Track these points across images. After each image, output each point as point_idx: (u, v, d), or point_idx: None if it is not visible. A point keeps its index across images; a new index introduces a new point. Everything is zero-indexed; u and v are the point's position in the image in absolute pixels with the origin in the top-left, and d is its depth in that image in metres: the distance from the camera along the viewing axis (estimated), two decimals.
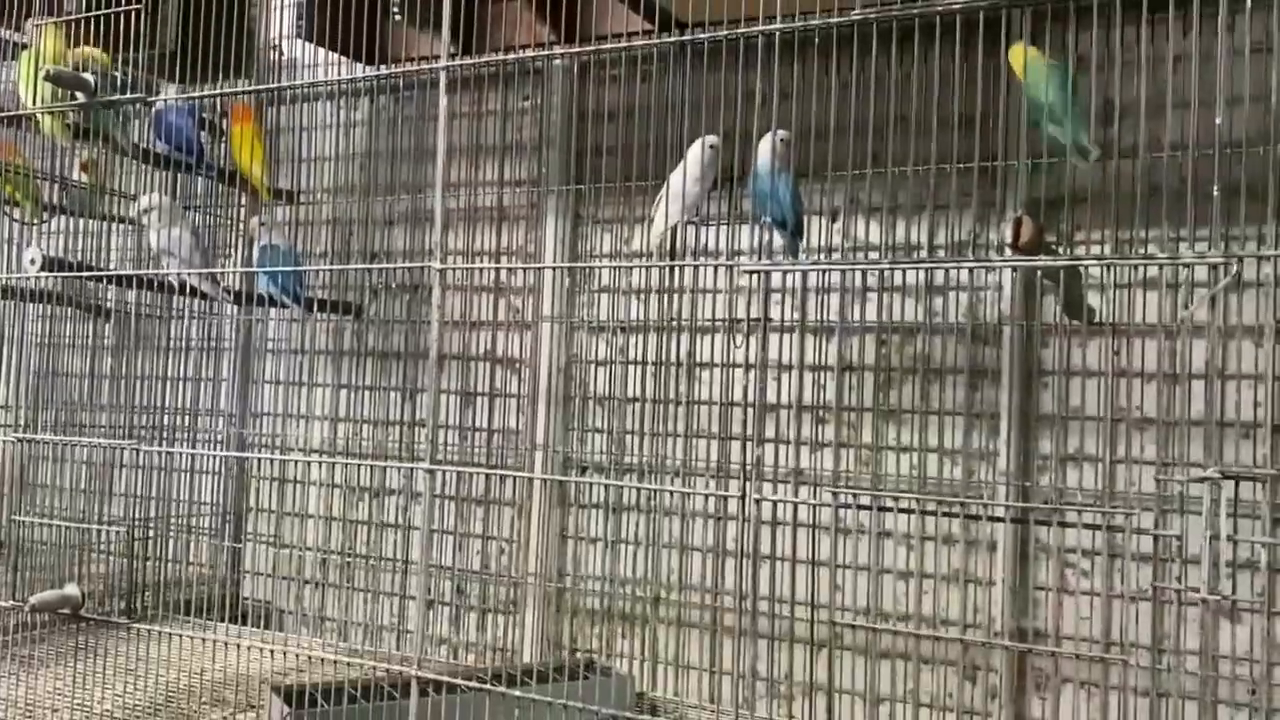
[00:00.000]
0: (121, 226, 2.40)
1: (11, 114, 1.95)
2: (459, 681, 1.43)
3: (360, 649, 2.36)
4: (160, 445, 2.22)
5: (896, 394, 2.16)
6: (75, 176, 2.40)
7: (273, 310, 2.55)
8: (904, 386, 2.15)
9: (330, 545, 2.61)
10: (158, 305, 2.54)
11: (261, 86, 2.06)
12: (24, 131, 2.11)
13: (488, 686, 1.40)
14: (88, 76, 1.77)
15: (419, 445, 2.56)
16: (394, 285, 2.62)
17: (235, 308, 2.54)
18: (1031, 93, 1.51)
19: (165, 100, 1.99)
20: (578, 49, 2.00)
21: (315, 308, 2.45)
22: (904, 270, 2.01)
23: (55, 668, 2.07)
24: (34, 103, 1.88)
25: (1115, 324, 1.76)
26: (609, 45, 1.81)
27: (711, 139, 1.92)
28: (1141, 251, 1.50)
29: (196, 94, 2.03)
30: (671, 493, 2.08)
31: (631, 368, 2.35)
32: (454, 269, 2.26)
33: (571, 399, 2.46)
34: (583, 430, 2.44)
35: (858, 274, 2.09)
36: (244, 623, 2.61)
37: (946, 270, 1.98)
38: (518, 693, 1.37)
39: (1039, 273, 1.66)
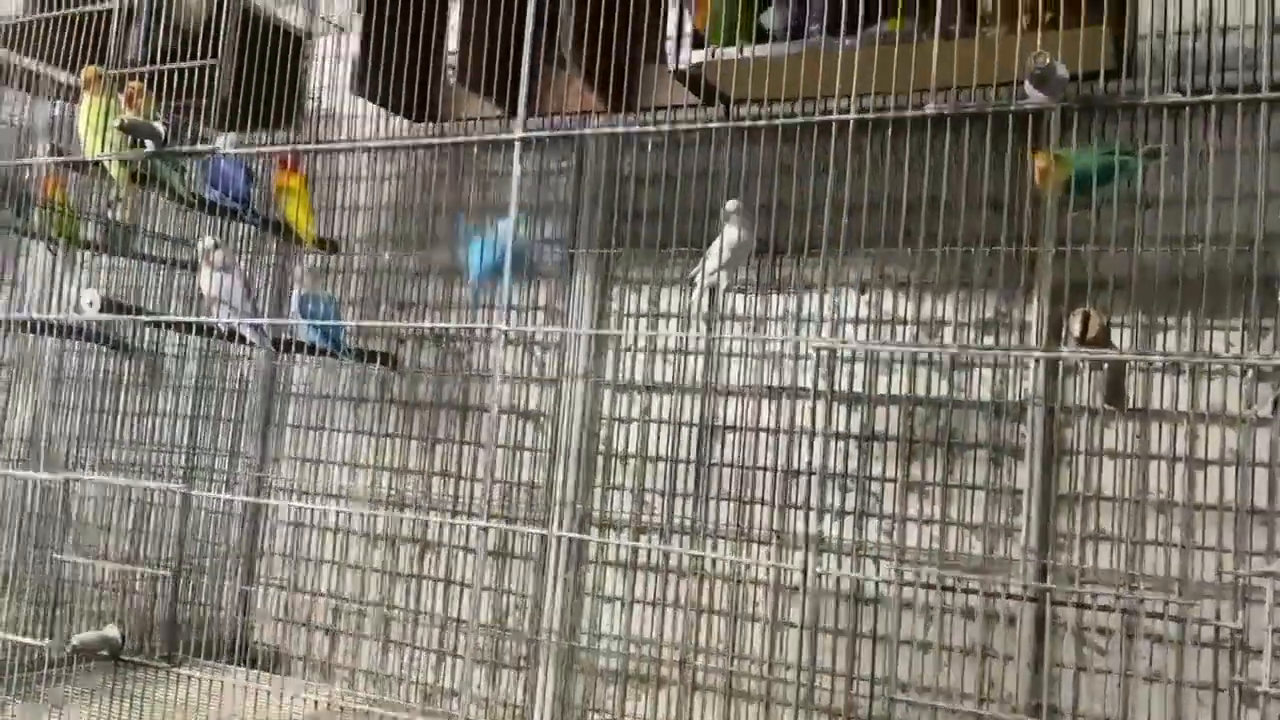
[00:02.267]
0: (154, 265, 2.43)
1: (79, 158, 1.99)
2: None
3: (397, 701, 2.36)
4: (207, 489, 2.23)
5: (920, 466, 2.20)
6: (112, 215, 2.44)
7: (298, 355, 2.57)
8: (928, 459, 2.20)
9: (365, 595, 2.62)
10: (185, 345, 2.56)
11: (332, 145, 2.11)
12: (82, 175, 2.14)
13: None
14: (159, 126, 1.81)
15: (442, 495, 2.58)
16: (422, 335, 2.66)
17: (264, 351, 2.57)
18: None
19: (226, 150, 2.03)
20: (657, 127, 2.05)
21: (354, 357, 2.48)
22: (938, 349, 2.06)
23: (78, 707, 2.06)
24: (102, 148, 1.92)
25: (1146, 409, 1.81)
26: (685, 125, 1.86)
27: (730, 204, 2.00)
28: (1206, 349, 1.55)
29: (272, 147, 2.07)
30: (730, 561, 2.10)
31: (663, 428, 2.39)
32: (518, 329, 2.30)
33: (596, 455, 2.48)
34: (606, 488, 2.47)
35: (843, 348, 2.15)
36: (253, 667, 2.60)
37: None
38: None
39: (1085, 362, 1.71)
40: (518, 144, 1.58)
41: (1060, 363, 2.04)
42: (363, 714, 1.87)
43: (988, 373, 2.16)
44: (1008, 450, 2.12)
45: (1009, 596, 2.01)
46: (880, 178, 1.76)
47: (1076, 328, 1.39)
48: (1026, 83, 1.40)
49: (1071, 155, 1.56)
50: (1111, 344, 1.44)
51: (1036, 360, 1.97)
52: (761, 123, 1.58)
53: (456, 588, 2.55)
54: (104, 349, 2.47)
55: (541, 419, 2.54)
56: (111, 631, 1.74)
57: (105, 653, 1.74)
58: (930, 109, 1.38)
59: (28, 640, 1.89)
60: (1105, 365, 1.53)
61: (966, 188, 1.79)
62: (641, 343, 2.47)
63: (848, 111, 1.56)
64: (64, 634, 1.83)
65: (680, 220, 2.13)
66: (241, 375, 2.63)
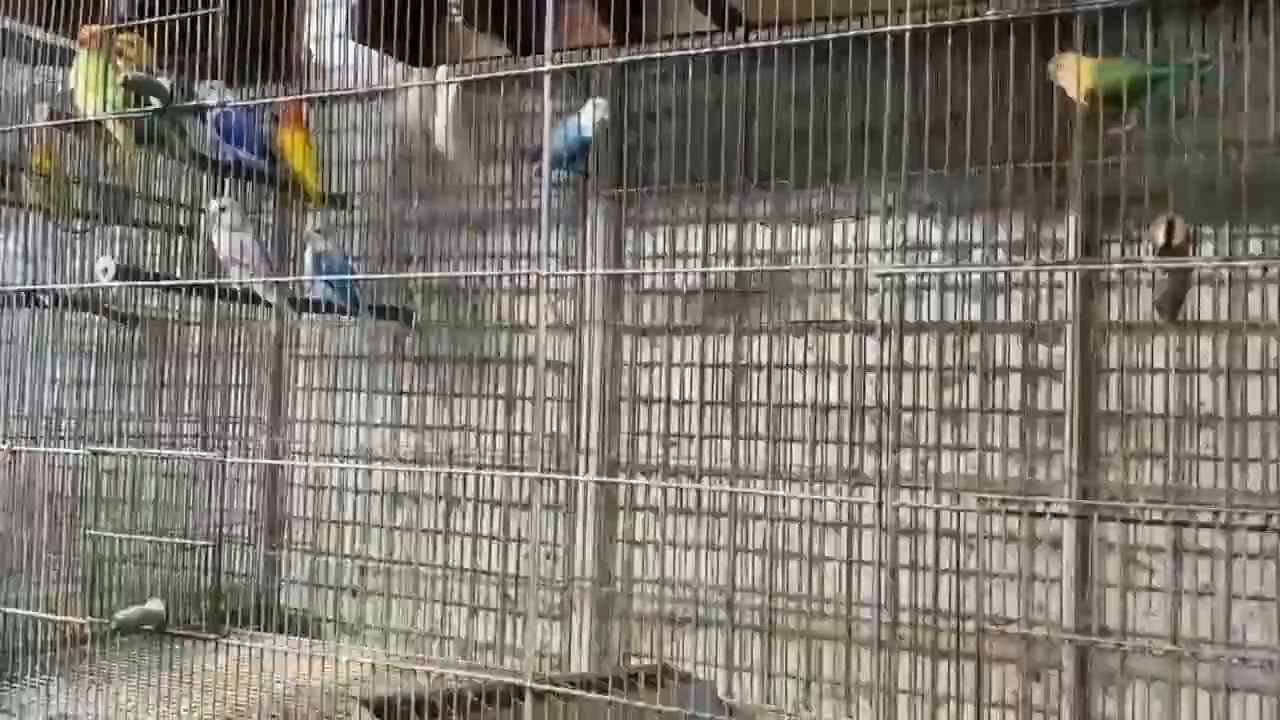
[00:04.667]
0: (156, 230, 2.36)
1: (80, 119, 1.90)
2: (576, 692, 1.42)
3: (446, 659, 2.34)
4: (238, 456, 2.19)
5: (955, 393, 2.17)
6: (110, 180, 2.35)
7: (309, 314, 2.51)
8: (962, 385, 2.16)
9: (392, 554, 2.59)
10: (188, 310, 2.49)
11: (346, 91, 2.03)
12: (77, 138, 2.06)
13: (607, 696, 1.39)
14: (164, 82, 1.73)
15: (468, 451, 2.54)
16: (436, 288, 2.59)
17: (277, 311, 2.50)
18: None
19: (231, 102, 1.95)
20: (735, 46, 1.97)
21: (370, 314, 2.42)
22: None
23: (117, 683, 2.03)
24: (103, 108, 1.84)
25: (1185, 320, 1.78)
26: (724, 46, 1.78)
27: None
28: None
29: (279, 98, 1.99)
30: (800, 500, 2.08)
31: (688, 370, 2.35)
32: (558, 275, 2.24)
33: (623, 401, 2.44)
34: (633, 433, 2.43)
35: (910, 274, 2.11)
36: (282, 632, 2.57)
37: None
38: (641, 702, 1.36)
39: (1156, 273, 1.67)
40: (547, 80, 1.51)
41: (1093, 278, 2.00)
42: (409, 673, 1.85)
43: (1019, 294, 2.12)
44: (1044, 371, 2.09)
45: (1055, 516, 1.98)
46: (919, 99, 1.69)
47: (1160, 236, 1.34)
48: None
49: (1121, 65, 1.50)
50: (1188, 252, 1.40)
51: (1073, 275, 1.93)
52: (795, 40, 1.51)
53: (485, 541, 2.52)
54: (112, 320, 2.41)
55: (565, 367, 2.49)
56: (154, 605, 1.70)
57: (149, 627, 1.70)
58: (991, 14, 1.32)
59: (67, 619, 1.85)
60: (1179, 274, 1.49)
61: (991, 104, 1.73)
62: (661, 283, 2.42)
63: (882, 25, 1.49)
64: (102, 611, 1.79)
65: (694, 155, 2.06)
66: (254, 338, 2.57)
